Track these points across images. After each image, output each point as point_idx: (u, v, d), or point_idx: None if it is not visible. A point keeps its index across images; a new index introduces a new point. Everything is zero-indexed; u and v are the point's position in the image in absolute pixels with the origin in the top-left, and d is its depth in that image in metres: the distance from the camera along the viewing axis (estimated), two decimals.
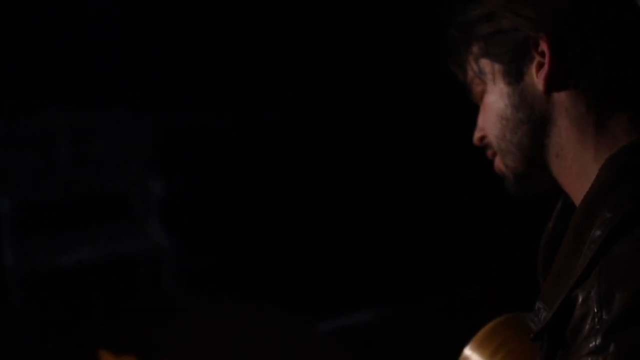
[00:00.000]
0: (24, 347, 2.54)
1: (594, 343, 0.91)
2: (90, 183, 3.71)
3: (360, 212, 4.29)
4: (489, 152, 1.16)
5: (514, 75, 1.06)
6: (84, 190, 3.71)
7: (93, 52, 3.92)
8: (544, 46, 1.02)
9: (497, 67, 1.08)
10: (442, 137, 4.10)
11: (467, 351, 1.22)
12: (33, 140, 3.61)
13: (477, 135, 1.17)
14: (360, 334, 3.61)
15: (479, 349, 1.21)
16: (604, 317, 0.91)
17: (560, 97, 1.04)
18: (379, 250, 4.10)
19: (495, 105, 1.09)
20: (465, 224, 4.18)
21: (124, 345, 2.30)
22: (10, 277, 3.41)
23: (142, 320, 2.59)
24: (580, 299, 0.95)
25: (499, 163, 1.14)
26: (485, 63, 1.10)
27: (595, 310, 0.92)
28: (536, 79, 1.04)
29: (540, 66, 1.03)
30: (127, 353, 2.27)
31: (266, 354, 2.39)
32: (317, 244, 4.11)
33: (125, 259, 3.70)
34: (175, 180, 3.87)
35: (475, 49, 1.10)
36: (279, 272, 3.95)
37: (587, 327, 0.93)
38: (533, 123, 1.06)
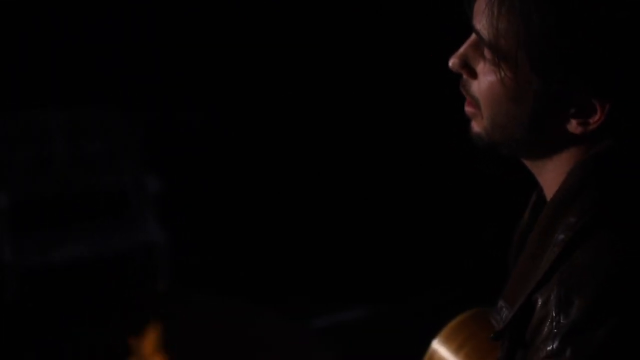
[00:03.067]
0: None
1: (551, 346, 0.93)
2: (87, 180, 3.73)
3: (352, 212, 4.30)
4: (467, 98, 1.07)
5: (546, 97, 0.98)
6: (80, 187, 3.73)
7: (89, 51, 3.95)
8: (600, 109, 0.97)
9: (533, 79, 0.98)
10: (429, 145, 4.12)
11: (435, 345, 1.24)
12: (29, 138, 3.63)
13: (457, 65, 1.05)
14: (350, 331, 3.62)
15: (446, 342, 1.23)
16: (561, 321, 0.93)
17: (584, 136, 1.00)
18: (369, 250, 4.11)
19: (502, 94, 1.00)
20: (452, 224, 4.19)
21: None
22: (7, 273, 3.44)
23: (138, 317, 2.61)
24: (540, 302, 0.97)
25: (473, 112, 1.07)
26: (514, 51, 0.97)
27: (554, 314, 0.94)
28: (572, 118, 0.99)
29: (583, 113, 0.98)
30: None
31: (256, 349, 2.41)
32: (311, 243, 4.12)
33: (120, 255, 3.72)
34: (171, 178, 3.89)
35: (520, 36, 0.96)
36: (273, 270, 3.96)
37: (546, 330, 0.95)
38: (541, 142, 1.03)
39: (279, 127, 4.33)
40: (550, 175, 1.05)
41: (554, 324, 0.94)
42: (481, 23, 1.00)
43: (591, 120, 0.98)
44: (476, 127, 1.07)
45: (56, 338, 2.62)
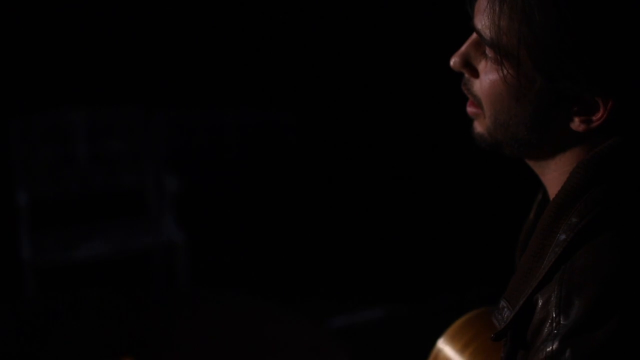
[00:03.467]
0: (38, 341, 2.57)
1: (550, 348, 0.92)
2: (107, 179, 3.76)
3: (370, 213, 4.30)
4: (469, 97, 1.07)
5: (548, 95, 0.97)
6: (100, 185, 3.75)
7: (110, 50, 3.97)
8: (603, 107, 0.96)
9: (535, 77, 0.97)
10: (449, 141, 4.10)
11: (440, 344, 1.23)
12: (51, 136, 3.66)
13: (458, 64, 1.05)
14: (367, 331, 3.62)
15: (451, 341, 1.23)
16: (561, 322, 0.93)
17: (587, 134, 0.99)
18: (387, 251, 4.10)
19: (504, 93, 0.99)
20: (473, 224, 4.17)
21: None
22: (27, 269, 3.47)
23: (149, 315, 2.62)
24: (540, 302, 0.96)
25: (475, 111, 1.06)
26: (516, 48, 0.96)
27: (554, 315, 0.93)
28: (575, 115, 0.98)
29: (586, 110, 0.97)
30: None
31: (271, 349, 2.40)
32: (328, 243, 4.12)
33: (139, 253, 3.74)
34: (190, 177, 3.90)
35: (521, 31, 0.95)
36: (290, 270, 3.97)
37: (546, 330, 0.94)
38: (544, 141, 1.02)
39: (298, 128, 4.33)
40: (553, 174, 1.04)
41: (554, 324, 0.93)
42: (482, 22, 0.99)
43: (594, 118, 0.97)
44: (479, 127, 1.07)
45: (73, 335, 2.64)
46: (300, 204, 4.28)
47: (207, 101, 4.20)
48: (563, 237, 0.97)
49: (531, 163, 1.08)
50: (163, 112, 3.94)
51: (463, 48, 1.05)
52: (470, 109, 1.07)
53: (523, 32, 0.94)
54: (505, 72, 0.98)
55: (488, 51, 1.00)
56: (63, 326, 2.64)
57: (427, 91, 4.18)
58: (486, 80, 1.02)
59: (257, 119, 4.30)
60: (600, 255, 0.94)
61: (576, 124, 0.99)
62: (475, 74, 1.04)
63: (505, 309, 1.02)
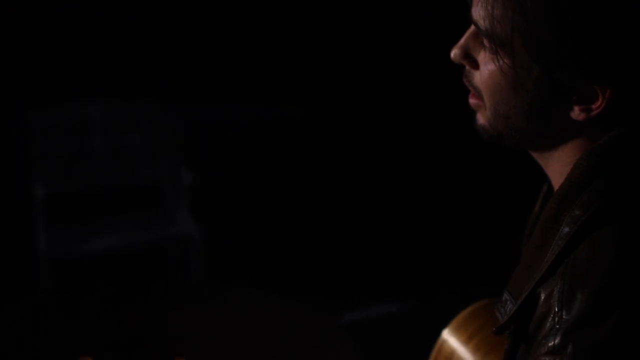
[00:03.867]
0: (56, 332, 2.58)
1: (552, 342, 0.92)
2: (123, 172, 3.77)
3: (384, 207, 4.29)
4: (470, 89, 1.06)
5: (546, 84, 0.97)
6: (116, 178, 3.77)
7: (127, 44, 3.99)
8: (601, 95, 0.95)
9: (532, 66, 0.96)
10: (454, 142, 4.10)
11: (445, 335, 1.23)
12: (68, 130, 3.68)
13: (458, 55, 1.05)
14: (379, 326, 3.62)
15: (456, 333, 1.22)
16: (564, 317, 0.92)
17: (588, 124, 0.99)
18: (400, 246, 4.10)
19: (502, 83, 0.99)
20: (483, 220, 4.15)
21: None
22: (43, 262, 3.49)
23: (160, 307, 2.63)
24: (543, 296, 0.95)
25: (477, 103, 1.06)
26: (510, 37, 0.96)
27: (556, 309, 0.93)
28: (574, 104, 0.97)
29: (585, 99, 0.97)
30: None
31: (279, 343, 2.41)
32: (342, 238, 4.12)
33: (154, 247, 3.75)
34: (206, 171, 3.91)
35: (516, 20, 0.94)
36: (304, 264, 3.97)
37: (548, 325, 0.93)
38: (545, 132, 1.01)
39: (310, 123, 4.33)
40: (556, 166, 1.03)
41: (556, 319, 0.92)
42: (478, 12, 0.99)
43: (593, 107, 0.96)
44: (480, 118, 1.06)
45: (87, 328, 2.65)
46: (313, 199, 4.28)
47: (223, 95, 4.21)
48: (566, 230, 0.96)
49: (534, 154, 1.07)
50: (179, 106, 3.95)
51: (462, 40, 1.04)
52: (472, 101, 1.07)
53: (516, 20, 0.94)
54: (501, 62, 0.97)
55: (485, 41, 1.00)
56: (79, 320, 2.66)
57: (433, 87, 4.17)
58: (485, 71, 1.01)
59: (272, 114, 4.30)
60: (602, 248, 0.93)
61: (576, 113, 0.98)
62: (475, 65, 1.04)
63: (508, 302, 1.01)
